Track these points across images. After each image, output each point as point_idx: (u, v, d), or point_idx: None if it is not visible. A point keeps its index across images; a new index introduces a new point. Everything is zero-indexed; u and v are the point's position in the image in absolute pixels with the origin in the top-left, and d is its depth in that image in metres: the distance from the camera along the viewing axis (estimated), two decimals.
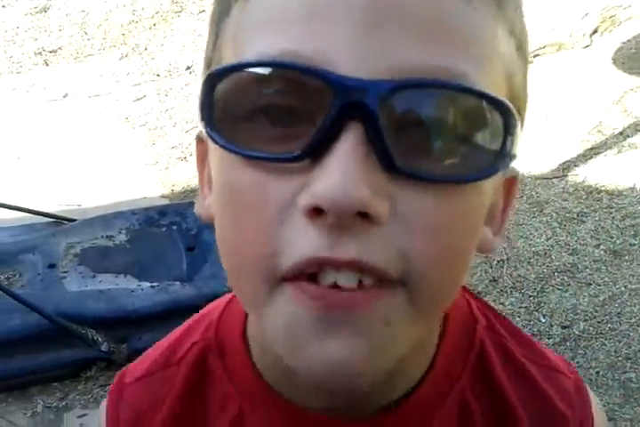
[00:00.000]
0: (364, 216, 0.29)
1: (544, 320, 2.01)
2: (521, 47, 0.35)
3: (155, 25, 3.85)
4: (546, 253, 2.21)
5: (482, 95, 0.31)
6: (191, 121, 3.00)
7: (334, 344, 0.29)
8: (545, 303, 2.06)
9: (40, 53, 3.50)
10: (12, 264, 1.87)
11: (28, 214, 2.12)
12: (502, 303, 2.04)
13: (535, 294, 2.08)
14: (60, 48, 3.57)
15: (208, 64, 0.37)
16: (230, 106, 0.31)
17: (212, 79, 0.31)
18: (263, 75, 0.30)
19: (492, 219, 0.38)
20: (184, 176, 2.65)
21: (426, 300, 0.32)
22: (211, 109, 0.32)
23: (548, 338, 1.95)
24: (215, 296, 1.84)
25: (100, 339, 1.71)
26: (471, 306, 0.47)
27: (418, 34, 0.30)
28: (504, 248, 2.23)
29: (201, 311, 0.51)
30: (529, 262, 2.18)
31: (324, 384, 0.33)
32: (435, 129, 0.30)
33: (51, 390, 1.65)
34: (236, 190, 0.32)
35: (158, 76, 3.38)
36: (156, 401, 0.47)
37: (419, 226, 0.30)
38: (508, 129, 0.31)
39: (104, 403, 0.50)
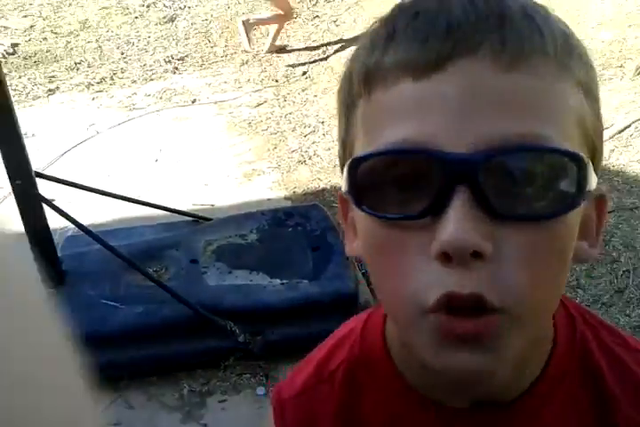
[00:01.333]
0: (476, 256, 0.39)
1: None
2: (588, 91, 0.43)
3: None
4: None
5: (558, 151, 0.40)
6: (309, 125, 3.12)
7: (463, 356, 0.41)
8: None
9: (169, 61, 3.74)
10: (160, 259, 2.05)
11: (167, 213, 2.30)
12: (628, 315, 2.01)
13: None
14: (187, 56, 3.80)
15: (343, 145, 0.47)
16: (369, 182, 0.42)
17: (355, 162, 0.42)
18: (392, 159, 0.41)
19: (588, 233, 0.46)
20: (304, 178, 2.77)
21: (527, 319, 0.41)
22: (355, 186, 0.43)
23: None
24: (339, 294, 1.94)
25: (237, 330, 1.84)
26: (568, 307, 0.55)
27: (498, 111, 0.39)
28: (630, 258, 2.19)
29: (342, 328, 0.60)
30: None
31: (460, 380, 0.45)
32: (524, 182, 0.40)
33: (195, 376, 1.80)
34: (379, 244, 0.43)
35: (277, 81, 3.53)
36: (315, 417, 0.56)
37: (518, 261, 0.40)
38: (582, 174, 0.40)
39: (271, 417, 0.59)
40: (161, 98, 3.40)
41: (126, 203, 2.25)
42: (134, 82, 3.57)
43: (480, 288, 0.40)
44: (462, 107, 0.39)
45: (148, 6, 4.28)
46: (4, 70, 3.64)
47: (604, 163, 2.49)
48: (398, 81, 0.40)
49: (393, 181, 0.41)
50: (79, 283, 1.95)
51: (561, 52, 0.41)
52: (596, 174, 0.44)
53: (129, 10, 4.23)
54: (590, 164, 0.41)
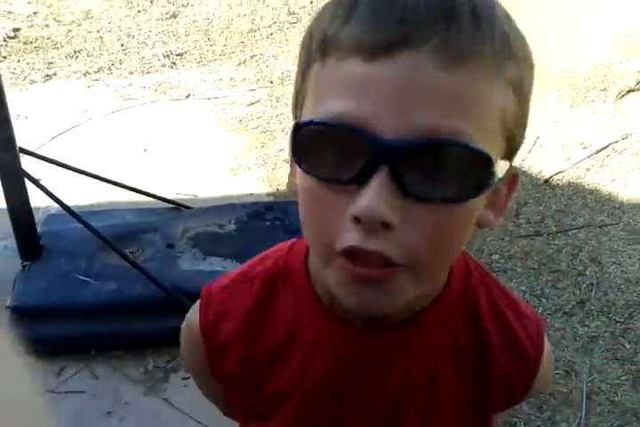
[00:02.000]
0: (384, 224, 0.46)
1: (629, 346, 2.03)
2: (518, 89, 0.48)
3: (271, 34, 4.09)
4: (637, 281, 2.22)
5: (469, 149, 0.45)
6: None
7: (365, 292, 0.49)
8: (631, 330, 2.07)
9: (168, 56, 3.79)
10: (137, 241, 2.09)
11: (151, 199, 2.35)
12: (587, 325, 2.07)
13: (622, 320, 2.10)
14: (185, 52, 3.86)
15: (296, 95, 0.53)
16: (308, 144, 0.49)
17: (297, 126, 0.49)
18: (329, 129, 0.47)
19: (496, 205, 0.53)
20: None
21: (424, 275, 0.50)
22: (297, 146, 0.49)
23: (632, 364, 1.96)
24: None
25: None
26: (469, 264, 0.64)
27: (428, 104, 0.44)
28: (595, 272, 2.26)
29: (274, 247, 0.69)
30: (619, 289, 2.20)
31: (360, 313, 0.54)
32: (436, 170, 0.46)
33: (161, 353, 1.84)
34: (310, 196, 0.50)
35: (272, 83, 3.60)
36: (234, 309, 0.64)
37: (420, 232, 0.47)
38: (487, 170, 0.47)
39: (196, 306, 0.67)
40: (156, 90, 3.45)
41: (110, 187, 2.30)
42: (131, 73, 3.62)
43: (383, 249, 0.47)
44: (398, 95, 0.44)
45: (151, 1, 4.35)
46: (4, 53, 3.69)
47: (579, 180, 2.56)
48: (349, 57, 0.45)
49: (328, 148, 0.48)
50: (55, 258, 1.99)
51: (498, 54, 0.46)
52: (511, 160, 0.51)
53: (132, 4, 4.30)
54: (498, 160, 0.47)
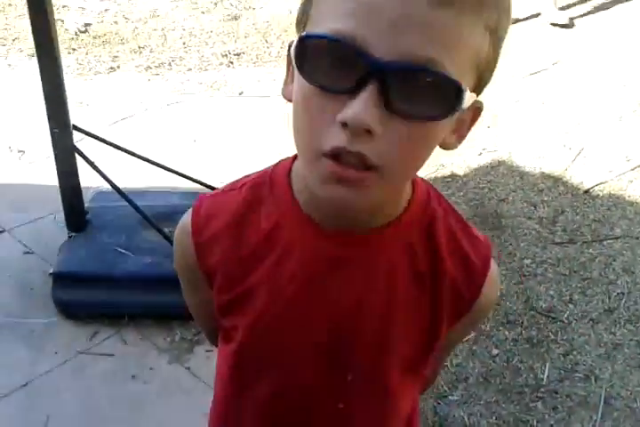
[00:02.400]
0: (368, 131, 0.53)
1: None
2: (494, 34, 0.55)
3: None
4: None
5: (444, 77, 0.53)
6: None
7: (341, 190, 0.56)
8: None
9: (226, 55, 3.93)
10: (176, 221, 2.18)
11: (195, 185, 2.45)
12: (613, 333, 2.05)
13: None
14: (243, 52, 4.00)
15: (298, 22, 0.60)
16: (310, 54, 0.55)
17: (303, 38, 0.55)
18: (330, 44, 0.53)
19: (460, 131, 0.62)
20: None
21: (391, 180, 0.58)
22: (300, 54, 0.56)
23: None
24: None
25: None
26: (429, 191, 0.72)
27: (417, 35, 0.51)
28: (627, 282, 2.24)
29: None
30: None
31: (335, 205, 0.62)
32: (417, 91, 0.53)
33: (188, 327, 1.93)
34: (305, 101, 0.57)
35: None
36: (222, 211, 0.73)
37: (397, 142, 0.54)
38: (458, 96, 0.54)
39: (188, 211, 0.77)
40: (211, 87, 3.59)
41: (158, 170, 2.41)
42: (190, 70, 3.77)
43: (364, 150, 0.54)
44: (393, 23, 0.51)
45: (215, 4, 4.52)
46: (74, 46, 3.90)
47: (619, 192, 2.56)
48: None
49: (327, 60, 0.55)
50: (98, 231, 2.11)
51: (478, 3, 0.53)
52: (478, 94, 0.59)
53: (197, 5, 4.47)
54: (468, 90, 0.55)
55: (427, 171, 2.88)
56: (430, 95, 0.54)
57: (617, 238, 2.41)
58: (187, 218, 0.76)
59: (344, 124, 0.53)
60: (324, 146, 0.55)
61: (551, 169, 2.85)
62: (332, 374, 0.75)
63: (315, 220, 0.68)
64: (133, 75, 3.66)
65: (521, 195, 2.71)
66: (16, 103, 3.20)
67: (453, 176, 2.92)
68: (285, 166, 0.72)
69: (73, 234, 2.11)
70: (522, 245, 2.43)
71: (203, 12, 4.41)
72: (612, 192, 2.64)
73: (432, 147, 0.59)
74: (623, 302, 2.16)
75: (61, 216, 2.20)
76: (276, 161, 0.74)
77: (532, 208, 2.62)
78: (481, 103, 0.62)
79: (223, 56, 3.92)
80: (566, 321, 2.08)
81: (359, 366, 0.74)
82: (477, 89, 0.58)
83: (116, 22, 4.18)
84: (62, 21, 4.04)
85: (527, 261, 2.34)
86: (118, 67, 3.72)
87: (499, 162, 2.97)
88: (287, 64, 0.64)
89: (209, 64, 3.85)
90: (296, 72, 0.57)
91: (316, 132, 0.56)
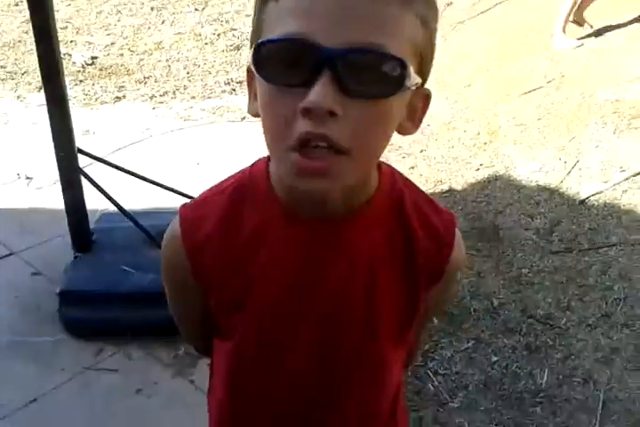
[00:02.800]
0: (331, 115, 0.58)
1: None
2: (425, 22, 0.63)
3: None
4: None
5: (388, 55, 0.59)
6: None
7: (315, 181, 0.62)
8: None
9: (229, 83, 4.05)
10: None
11: None
12: (610, 337, 2.07)
13: None
14: (245, 80, 4.11)
15: (254, 30, 0.65)
16: (266, 58, 0.61)
17: (259, 45, 0.61)
18: (283, 44, 0.60)
19: (413, 118, 0.68)
20: None
21: (359, 159, 0.62)
22: (258, 60, 0.61)
23: None
24: None
25: None
26: (394, 174, 0.78)
27: (360, 24, 0.58)
28: (624, 288, 2.26)
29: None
30: None
31: (312, 196, 0.68)
32: (366, 72, 0.59)
33: None
34: (269, 101, 0.62)
35: None
36: (209, 214, 0.76)
37: (357, 121, 0.60)
38: (403, 72, 0.60)
39: (174, 219, 0.79)
40: (214, 113, 3.69)
41: (162, 192, 2.49)
42: (193, 98, 3.88)
43: (329, 132, 0.60)
44: (335, 17, 0.58)
45: (218, 35, 4.66)
46: (81, 77, 4.03)
47: (615, 201, 2.60)
48: None
49: (283, 60, 0.61)
50: (104, 251, 2.18)
51: None
52: (424, 79, 0.65)
53: (201, 36, 4.61)
54: (411, 67, 0.61)
55: (425, 187, 2.94)
56: (379, 74, 0.60)
57: (613, 246, 2.44)
58: (174, 225, 0.79)
59: (307, 111, 0.58)
60: (291, 138, 0.60)
61: (547, 182, 2.90)
62: (326, 350, 0.80)
63: (296, 212, 0.73)
64: (138, 104, 3.78)
65: (518, 207, 2.76)
66: (25, 133, 3.31)
67: (451, 191, 2.98)
68: (262, 165, 0.77)
69: (79, 254, 2.18)
70: (519, 255, 2.46)
71: (206, 44, 4.55)
72: (608, 202, 2.68)
73: (391, 126, 0.65)
74: (620, 307, 2.18)
75: (69, 238, 2.27)
76: (252, 162, 0.79)
77: (529, 219, 2.66)
78: (429, 91, 0.68)
79: (226, 84, 4.04)
80: (564, 327, 2.11)
81: (352, 340, 0.79)
82: (420, 74, 0.64)
83: (121, 55, 4.32)
84: (70, 55, 4.18)
85: (525, 271, 2.38)
86: (124, 96, 3.84)
87: (496, 177, 3.03)
88: (248, 83, 0.71)
89: (212, 92, 3.96)
90: (257, 79, 0.63)
91: (282, 128, 0.60)
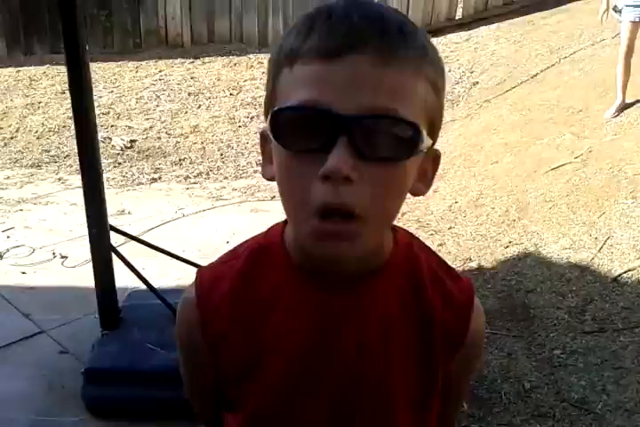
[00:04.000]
0: (347, 180, 0.60)
1: None
2: (434, 85, 0.65)
3: None
4: None
5: (402, 120, 0.62)
6: None
7: (334, 244, 0.64)
8: None
9: (260, 164, 4.18)
10: None
11: None
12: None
13: None
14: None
15: (269, 98, 0.68)
16: (283, 125, 0.63)
17: (276, 112, 0.64)
18: (300, 111, 0.62)
19: (424, 179, 0.70)
20: None
21: (374, 224, 0.65)
22: (275, 127, 0.64)
23: None
24: None
25: None
26: (411, 238, 0.79)
27: (370, 91, 0.61)
28: None
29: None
30: None
31: (329, 259, 0.69)
32: (381, 137, 0.62)
33: None
34: (286, 168, 0.64)
35: None
36: (223, 279, 0.77)
37: (371, 186, 0.62)
38: (417, 136, 0.63)
39: (190, 285, 0.80)
40: (245, 192, 3.79)
41: (191, 268, 2.53)
42: (226, 178, 4.01)
43: (347, 200, 0.62)
44: (348, 85, 0.62)
45: (251, 118, 4.86)
46: (119, 160, 4.21)
47: None
48: (311, 61, 0.63)
49: (299, 127, 0.64)
50: (130, 329, 2.20)
51: (418, 57, 0.64)
52: (434, 141, 0.68)
53: (235, 120, 4.82)
54: (424, 131, 0.64)
55: (454, 265, 2.92)
56: (394, 138, 0.62)
57: None
58: (189, 291, 0.80)
59: (325, 177, 0.60)
60: (311, 203, 0.62)
61: (578, 259, 2.85)
62: (341, 421, 0.78)
63: (309, 277, 0.73)
64: (173, 184, 3.91)
65: (549, 285, 2.71)
66: (64, 213, 3.44)
67: (480, 269, 2.95)
68: (278, 230, 0.78)
69: (106, 332, 2.20)
70: (551, 335, 2.40)
71: (239, 126, 4.75)
72: None
73: (405, 188, 0.67)
74: None
75: (98, 316, 2.31)
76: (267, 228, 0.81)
77: (561, 298, 2.60)
78: (439, 151, 0.71)
79: (257, 164, 4.16)
80: (600, 412, 2.01)
81: (367, 410, 0.78)
82: (431, 135, 0.66)
83: (159, 138, 4.53)
84: (110, 139, 4.40)
85: (557, 352, 2.30)
86: (159, 178, 3.98)
87: (525, 254, 3.00)
88: (261, 148, 0.73)
89: (244, 172, 4.09)
90: (274, 145, 0.66)
91: (301, 193, 0.62)
